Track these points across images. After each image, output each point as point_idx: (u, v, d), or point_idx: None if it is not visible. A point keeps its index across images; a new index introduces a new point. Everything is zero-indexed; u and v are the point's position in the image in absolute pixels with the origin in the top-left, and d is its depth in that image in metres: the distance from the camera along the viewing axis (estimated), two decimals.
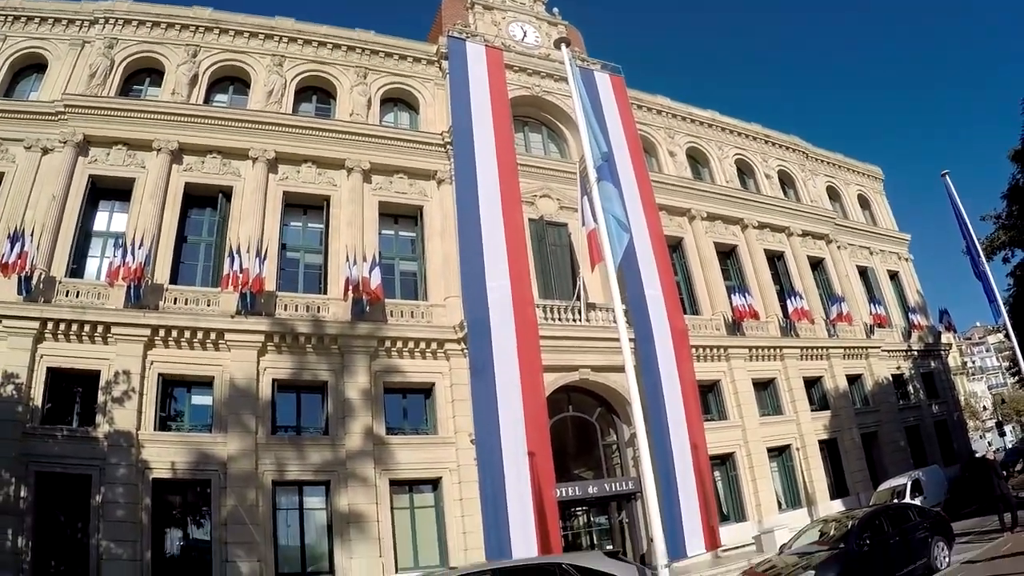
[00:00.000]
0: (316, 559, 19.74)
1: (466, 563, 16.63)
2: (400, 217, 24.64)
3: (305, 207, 23.58)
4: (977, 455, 32.44)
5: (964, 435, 41.43)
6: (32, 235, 18.71)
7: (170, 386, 19.74)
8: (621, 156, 18.35)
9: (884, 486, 26.19)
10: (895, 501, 22.01)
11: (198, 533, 19.32)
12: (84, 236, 20.86)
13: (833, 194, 39.71)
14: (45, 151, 20.90)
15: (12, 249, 18.19)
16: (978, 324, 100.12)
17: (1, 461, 17.15)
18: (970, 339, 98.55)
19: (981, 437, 64.48)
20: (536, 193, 25.60)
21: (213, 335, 19.71)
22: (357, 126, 23.98)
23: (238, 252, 19.94)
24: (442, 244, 23.31)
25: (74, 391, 19.02)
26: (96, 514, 17.63)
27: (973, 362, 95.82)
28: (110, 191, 21.65)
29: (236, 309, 20.02)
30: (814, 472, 28.25)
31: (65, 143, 20.88)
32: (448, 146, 23.34)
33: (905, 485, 24.65)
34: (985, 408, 77.91)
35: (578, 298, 23.72)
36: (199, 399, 20.07)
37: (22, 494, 17.24)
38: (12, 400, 17.59)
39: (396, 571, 18.99)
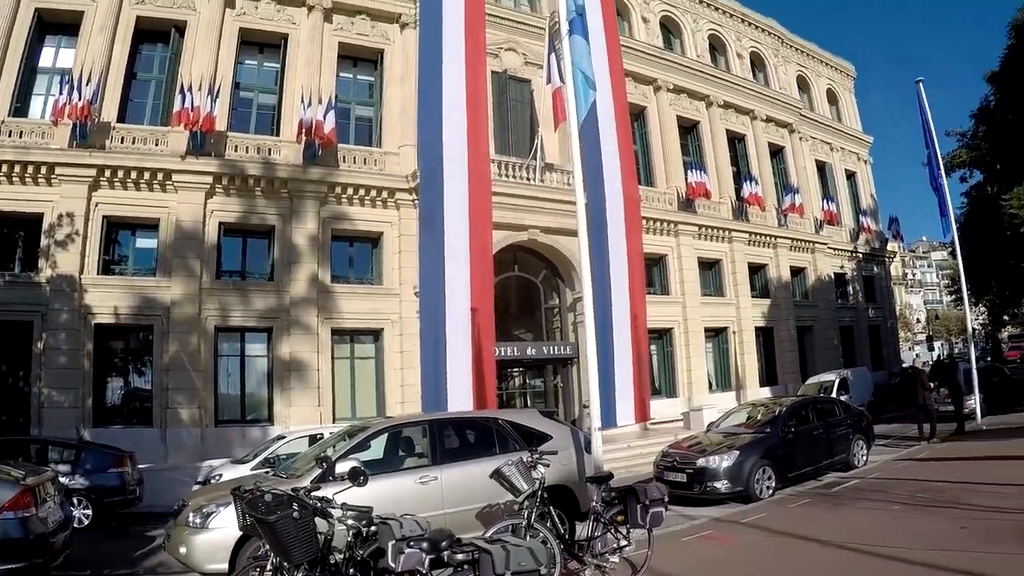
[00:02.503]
0: (256, 407, 21.05)
1: (403, 415, 17.40)
2: (359, 60, 24.74)
3: (261, 45, 23.47)
4: (906, 364, 35.37)
5: (895, 343, 45.34)
6: None
7: (115, 229, 20.23)
8: (593, 13, 18.38)
9: (813, 380, 28.43)
10: (822, 395, 23.53)
11: (139, 380, 20.41)
12: (29, 73, 20.50)
13: (803, 84, 40.91)
14: None
15: None
16: (924, 239, 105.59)
17: None
18: (914, 252, 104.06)
19: (911, 348, 69.50)
20: (502, 46, 25.88)
21: (160, 176, 19.96)
22: None
23: (189, 89, 19.94)
24: (401, 90, 23.56)
25: (15, 235, 19.46)
26: (38, 361, 18.44)
27: (913, 275, 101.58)
28: (57, 25, 21.12)
29: (185, 149, 20.14)
30: (747, 357, 30.84)
31: None
32: None
33: (833, 381, 26.63)
34: (919, 321, 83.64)
35: (534, 157, 24.51)
36: (144, 242, 20.58)
37: None
38: None
39: (333, 421, 20.04)
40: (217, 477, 14.34)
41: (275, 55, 23.49)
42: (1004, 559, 6.99)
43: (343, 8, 23.92)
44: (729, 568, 8.20)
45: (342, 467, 6.87)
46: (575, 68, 10.34)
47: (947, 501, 10.19)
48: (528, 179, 24.34)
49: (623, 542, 7.39)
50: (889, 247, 44.39)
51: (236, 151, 21.37)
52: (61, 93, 19.09)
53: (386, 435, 9.15)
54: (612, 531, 7.39)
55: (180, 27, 21.92)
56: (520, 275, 25.93)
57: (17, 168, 18.87)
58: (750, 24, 37.37)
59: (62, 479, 11.63)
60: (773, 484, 12.70)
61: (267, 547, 5.46)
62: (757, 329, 31.97)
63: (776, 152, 36.26)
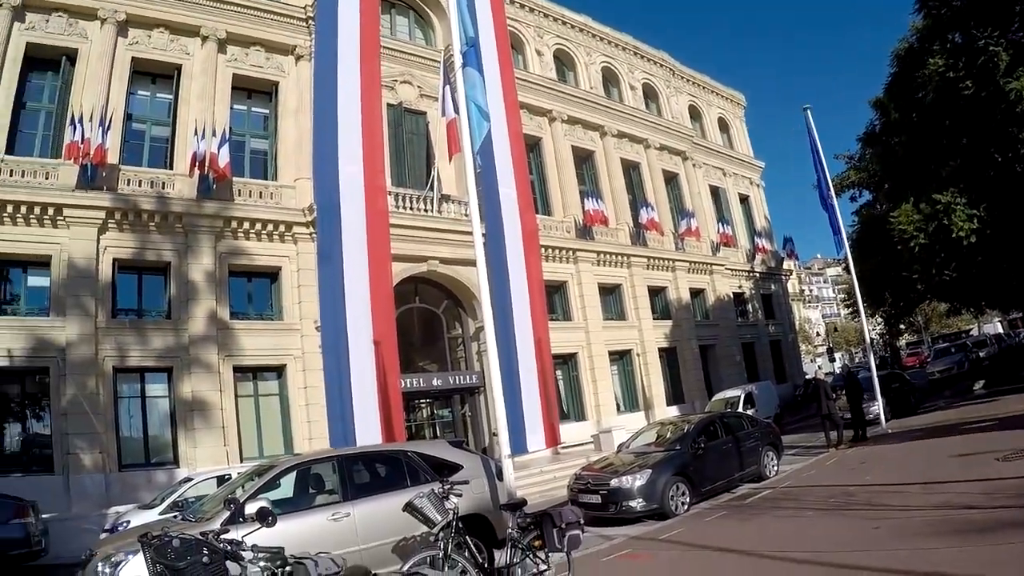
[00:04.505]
0: (160, 449, 20.51)
1: (311, 451, 17.57)
2: (254, 92, 24.87)
3: (154, 76, 23.25)
4: (809, 376, 37.48)
5: (796, 357, 47.93)
6: None
7: (4, 267, 19.58)
8: (488, 46, 18.67)
9: (719, 396, 29.62)
10: (729, 410, 24.26)
11: (38, 426, 19.62)
12: None
13: (694, 113, 43.41)
14: None
15: None
16: (818, 256, 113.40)
17: None
18: (810, 269, 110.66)
19: (812, 360, 72.99)
20: (397, 78, 26.66)
21: (51, 211, 19.40)
22: None
23: (80, 120, 19.62)
24: (296, 123, 23.93)
25: None
26: None
27: (810, 291, 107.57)
28: None
29: (76, 183, 19.77)
30: (653, 378, 32.10)
31: None
32: (311, 20, 23.65)
33: (739, 396, 27.73)
34: (818, 334, 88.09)
35: (431, 189, 25.23)
36: (36, 280, 19.93)
37: None
38: None
39: (241, 460, 19.86)
40: (125, 524, 14.09)
41: (168, 86, 23.31)
42: (918, 554, 7.26)
43: (237, 39, 23.98)
44: None
45: (251, 508, 6.76)
46: (469, 100, 10.61)
47: (858, 504, 10.50)
48: (426, 211, 24.94)
49: (542, 567, 7.44)
50: (785, 265, 46.96)
51: (129, 185, 21.08)
52: None
53: (295, 473, 9.10)
54: (531, 556, 7.44)
55: (71, 55, 21.56)
56: (422, 306, 26.42)
57: None
58: (642, 57, 39.46)
59: None
60: (687, 499, 13.04)
61: None
62: (661, 350, 33.29)
63: (671, 179, 38.18)
